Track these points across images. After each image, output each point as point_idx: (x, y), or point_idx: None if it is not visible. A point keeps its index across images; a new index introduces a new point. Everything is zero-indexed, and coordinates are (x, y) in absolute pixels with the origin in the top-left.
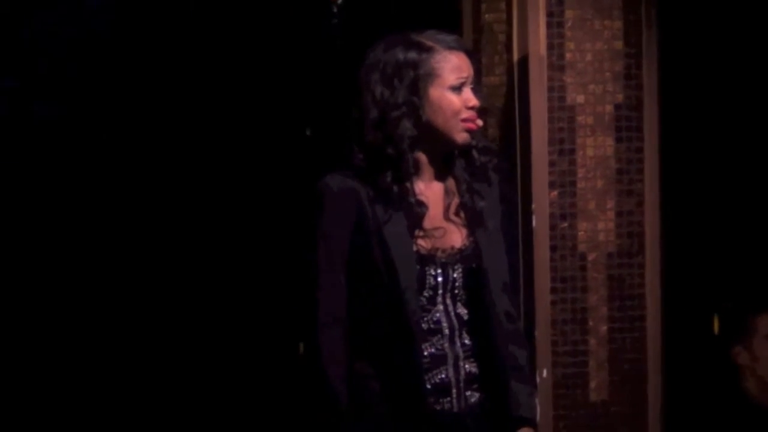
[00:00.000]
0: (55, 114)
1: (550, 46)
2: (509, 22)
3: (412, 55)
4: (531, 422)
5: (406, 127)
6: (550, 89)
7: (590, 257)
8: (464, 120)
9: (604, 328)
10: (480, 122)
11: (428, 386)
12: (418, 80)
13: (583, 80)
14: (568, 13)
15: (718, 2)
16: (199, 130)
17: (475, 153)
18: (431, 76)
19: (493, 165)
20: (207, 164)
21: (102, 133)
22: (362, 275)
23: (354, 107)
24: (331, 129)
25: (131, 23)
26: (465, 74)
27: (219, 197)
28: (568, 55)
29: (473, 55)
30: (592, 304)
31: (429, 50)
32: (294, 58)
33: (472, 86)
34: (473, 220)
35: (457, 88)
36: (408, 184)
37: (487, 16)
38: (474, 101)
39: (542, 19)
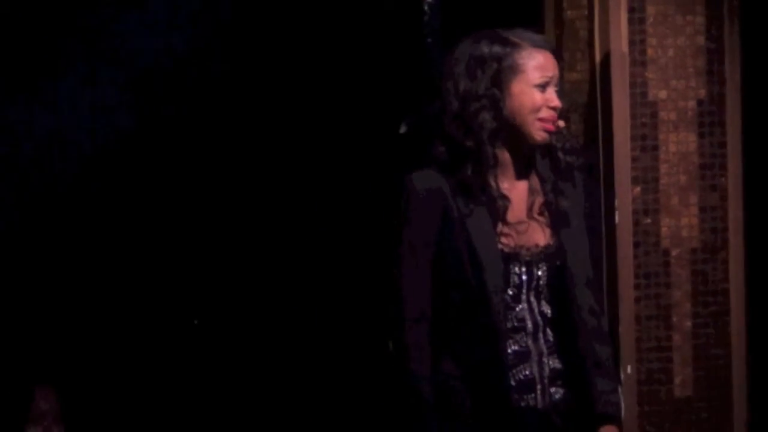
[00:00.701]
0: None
1: (632, 42)
2: (591, 18)
3: (497, 48)
4: (615, 419)
5: (486, 119)
6: (632, 85)
7: (674, 253)
8: (542, 119)
9: (688, 323)
10: (562, 123)
11: (512, 383)
12: (501, 73)
13: (665, 76)
14: (650, 9)
15: None
16: (293, 127)
17: (560, 154)
18: (515, 70)
19: (578, 165)
20: (301, 159)
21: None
22: (447, 273)
23: (437, 100)
24: (424, 126)
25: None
26: (550, 73)
27: (313, 192)
28: (649, 51)
29: (559, 55)
30: (675, 299)
31: (515, 45)
32: (389, 55)
33: (556, 88)
34: (557, 219)
35: (541, 86)
36: (490, 178)
37: (568, 12)
38: (556, 102)
39: (624, 16)
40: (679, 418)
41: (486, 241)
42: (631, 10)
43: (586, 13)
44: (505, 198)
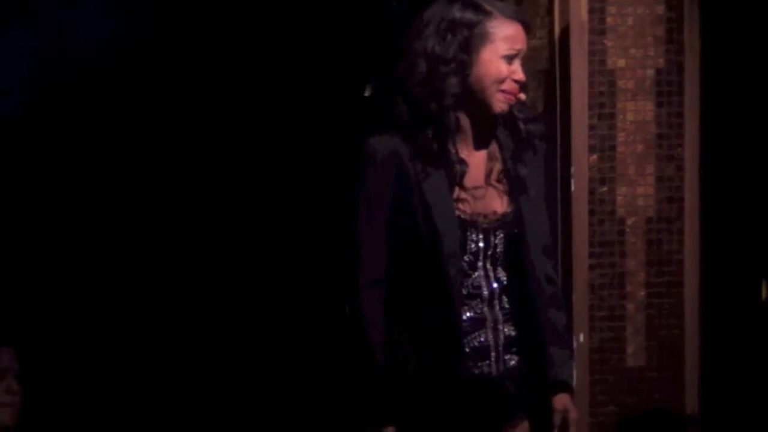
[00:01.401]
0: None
1: (592, 10)
2: None
3: (470, 15)
4: (568, 387)
5: (452, 83)
6: (591, 53)
7: (629, 222)
8: (505, 91)
9: (642, 293)
10: (522, 96)
11: (467, 350)
12: (471, 39)
13: (624, 44)
14: None
15: None
16: (248, 83)
17: (521, 124)
18: (485, 38)
19: (540, 133)
20: (254, 119)
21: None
22: (403, 238)
23: (402, 61)
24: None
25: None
26: (518, 46)
27: (265, 154)
28: (609, 19)
29: (528, 28)
30: (630, 269)
31: (487, 13)
32: (353, 17)
33: (521, 61)
34: (516, 187)
35: (508, 58)
36: (449, 143)
37: None
38: (521, 75)
39: None
40: (630, 387)
41: (442, 205)
42: None
43: None
44: (463, 163)
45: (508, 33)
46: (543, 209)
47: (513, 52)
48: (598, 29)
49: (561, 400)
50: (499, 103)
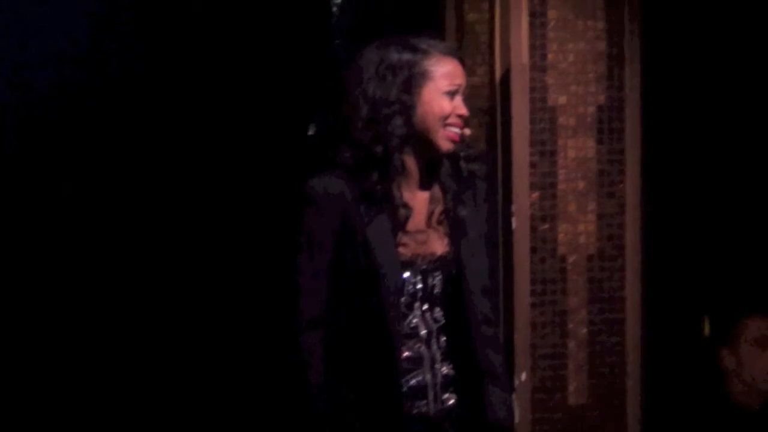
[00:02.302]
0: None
1: (533, 47)
2: (491, 22)
3: (407, 55)
4: (507, 428)
5: (397, 124)
6: (532, 90)
7: (570, 259)
8: (450, 125)
9: (583, 331)
10: (467, 131)
11: (405, 389)
12: (412, 79)
13: (565, 81)
14: (551, 14)
15: (702, 4)
16: (196, 131)
17: (462, 163)
18: (425, 77)
19: (481, 173)
20: (201, 165)
21: (101, 134)
22: (345, 278)
23: (344, 104)
24: (330, 129)
25: (129, 26)
26: (458, 81)
27: (219, 194)
28: (550, 56)
29: (464, 63)
30: (571, 306)
31: (424, 52)
32: (295, 58)
33: (463, 96)
34: (456, 228)
35: (450, 94)
36: (394, 186)
37: (469, 16)
38: (464, 110)
39: (525, 20)
40: (572, 425)
41: (385, 248)
42: (532, 15)
43: (488, 16)
44: (407, 207)
45: (446, 69)
46: (482, 250)
47: (454, 87)
48: (539, 66)
49: None
50: (445, 141)
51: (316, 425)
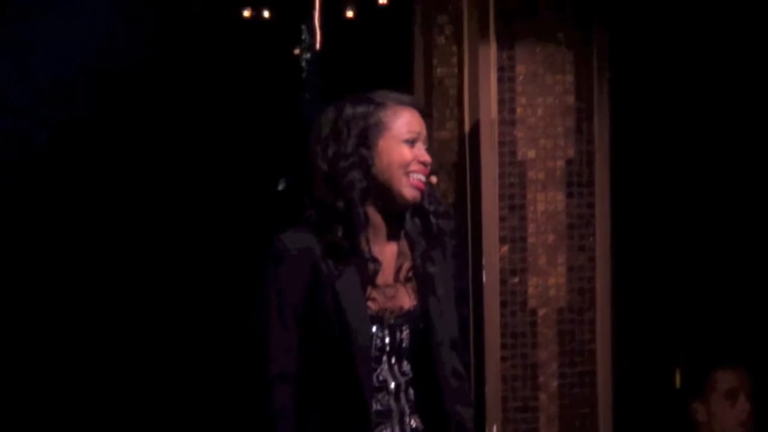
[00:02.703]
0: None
1: (501, 101)
2: (460, 76)
3: (362, 108)
4: None
5: (355, 177)
6: (501, 144)
7: (541, 313)
8: (413, 172)
9: (554, 383)
10: (434, 179)
11: None
12: (368, 131)
13: (534, 135)
14: (520, 68)
15: (669, 57)
16: (167, 184)
17: (432, 218)
18: (381, 127)
19: (449, 230)
20: (178, 216)
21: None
22: (314, 333)
23: (306, 162)
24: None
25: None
26: (417, 129)
27: (190, 249)
28: (519, 110)
29: (426, 113)
30: (542, 359)
31: (379, 105)
32: (265, 115)
33: (425, 145)
34: (424, 284)
35: (410, 142)
36: (362, 240)
37: (438, 70)
38: (426, 156)
39: (493, 74)
40: None
41: (354, 303)
42: (500, 69)
43: (456, 71)
44: (375, 261)
45: (404, 119)
46: (451, 305)
47: (413, 135)
48: (508, 120)
49: None
50: (410, 189)
51: None
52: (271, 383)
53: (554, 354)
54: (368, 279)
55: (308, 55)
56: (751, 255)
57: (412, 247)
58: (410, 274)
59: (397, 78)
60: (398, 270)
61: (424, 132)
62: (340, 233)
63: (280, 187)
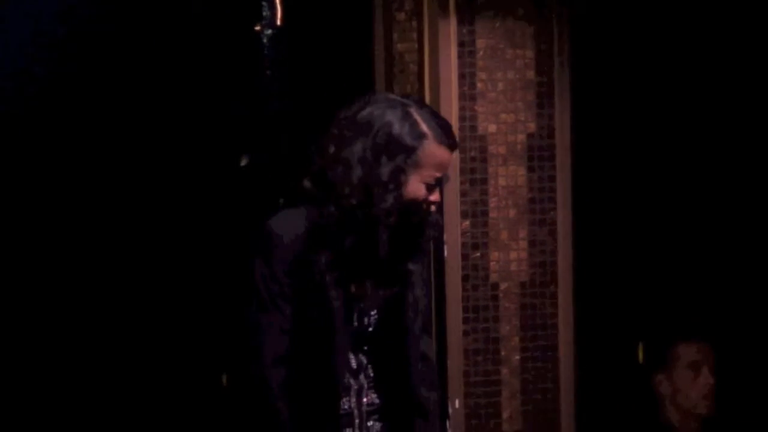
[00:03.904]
0: None
1: (462, 76)
2: (420, 51)
3: (406, 138)
4: None
5: (386, 201)
6: (462, 119)
7: (502, 287)
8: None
9: (516, 357)
10: (437, 217)
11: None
12: (406, 165)
13: (495, 110)
14: (480, 43)
15: (630, 32)
16: (124, 158)
17: (429, 230)
18: (417, 165)
19: (437, 229)
20: (135, 192)
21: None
22: (298, 317)
23: (331, 157)
24: (265, 161)
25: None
26: (444, 172)
27: (148, 228)
28: (479, 85)
29: (456, 148)
30: (504, 333)
31: (422, 137)
32: (225, 89)
33: (445, 180)
34: (401, 274)
35: (431, 185)
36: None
37: (399, 45)
38: (437, 197)
39: (454, 49)
40: None
41: (338, 295)
42: (461, 44)
43: (416, 46)
44: (367, 257)
45: (439, 161)
46: (424, 288)
47: (436, 179)
48: (468, 95)
49: None
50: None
51: None
52: (266, 366)
53: (516, 328)
54: (354, 273)
55: (269, 31)
56: (713, 228)
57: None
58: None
59: (358, 53)
60: (382, 255)
61: (448, 172)
62: (349, 242)
63: (243, 163)
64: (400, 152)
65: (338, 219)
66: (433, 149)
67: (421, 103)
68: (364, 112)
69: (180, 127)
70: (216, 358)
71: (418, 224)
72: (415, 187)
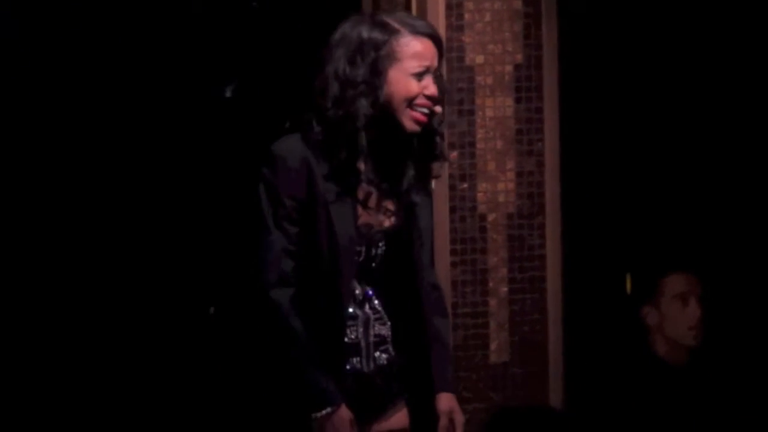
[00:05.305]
0: None
1: (449, 6)
2: None
3: (376, 34)
4: (452, 388)
5: (363, 105)
6: (449, 50)
7: (490, 218)
8: (418, 105)
9: (504, 289)
10: (438, 109)
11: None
12: (379, 60)
13: (482, 40)
14: None
15: None
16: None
17: (438, 139)
18: (392, 58)
19: (445, 154)
20: (120, 133)
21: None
22: (306, 242)
23: (316, 79)
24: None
25: None
26: (427, 62)
27: (140, 166)
28: (466, 16)
29: (439, 42)
30: (492, 265)
31: (394, 32)
32: (214, 19)
33: (434, 75)
34: (407, 207)
35: (418, 75)
36: (360, 163)
37: None
38: (432, 90)
39: None
40: (495, 383)
41: (345, 222)
42: None
43: None
44: (371, 184)
45: (415, 50)
46: (430, 220)
47: (422, 68)
48: (455, 26)
49: (446, 402)
50: (410, 122)
51: (314, 366)
52: (274, 285)
53: (504, 260)
54: (360, 201)
55: None
56: (702, 160)
57: (403, 173)
58: (395, 199)
59: None
60: (390, 189)
61: (435, 63)
62: (343, 156)
63: (228, 94)
64: (372, 49)
65: (326, 136)
66: (407, 40)
67: (396, 11)
68: (338, 31)
69: (164, 57)
70: (202, 290)
71: (429, 133)
72: (401, 82)
